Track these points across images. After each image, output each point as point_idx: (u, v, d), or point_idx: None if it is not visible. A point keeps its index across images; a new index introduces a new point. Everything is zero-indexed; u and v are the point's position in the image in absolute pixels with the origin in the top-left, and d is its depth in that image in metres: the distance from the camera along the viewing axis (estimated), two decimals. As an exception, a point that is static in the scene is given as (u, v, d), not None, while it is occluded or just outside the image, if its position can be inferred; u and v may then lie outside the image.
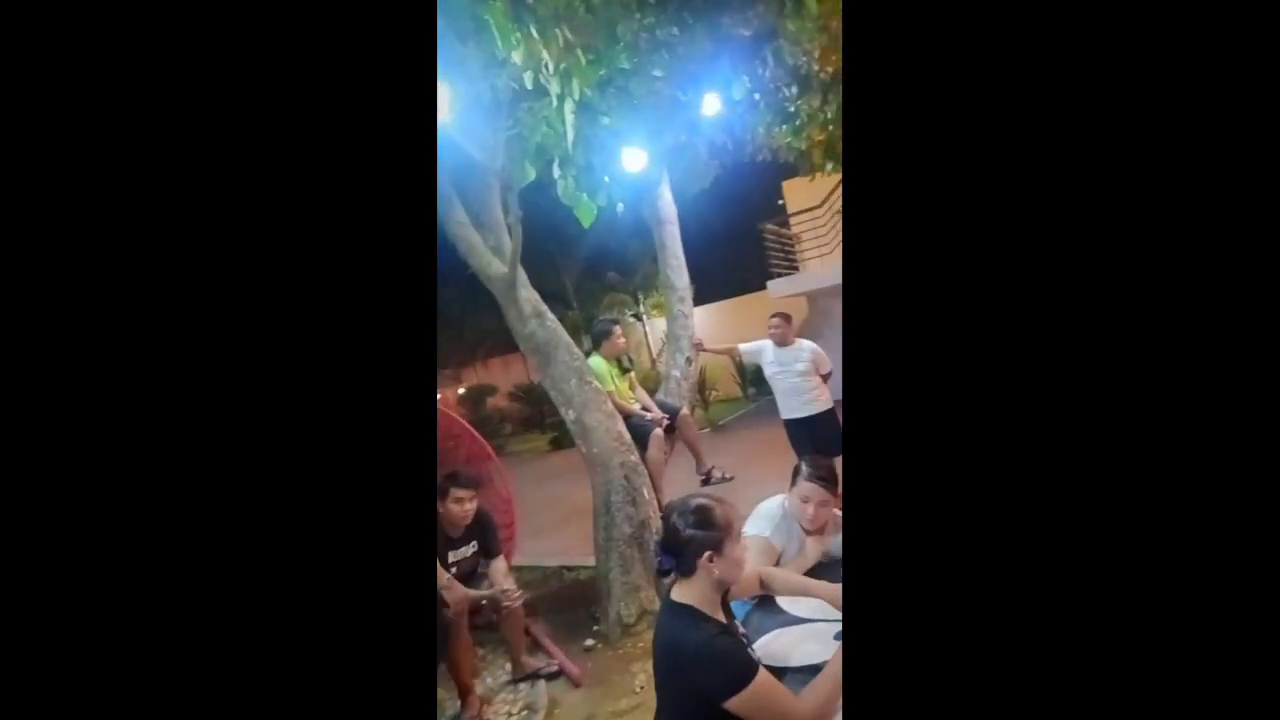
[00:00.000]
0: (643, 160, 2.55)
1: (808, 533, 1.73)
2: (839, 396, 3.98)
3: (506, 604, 2.43)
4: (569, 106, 1.71)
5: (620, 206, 2.44)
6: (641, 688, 2.34)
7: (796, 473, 1.75)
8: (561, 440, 8.63)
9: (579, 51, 1.69)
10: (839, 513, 1.86)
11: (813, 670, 1.17)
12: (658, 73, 2.60)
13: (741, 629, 1.27)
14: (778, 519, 1.72)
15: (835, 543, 1.80)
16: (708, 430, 8.21)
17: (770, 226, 9.01)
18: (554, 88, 1.64)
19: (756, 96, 3.17)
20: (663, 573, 1.22)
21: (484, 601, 2.47)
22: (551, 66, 1.59)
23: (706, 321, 10.39)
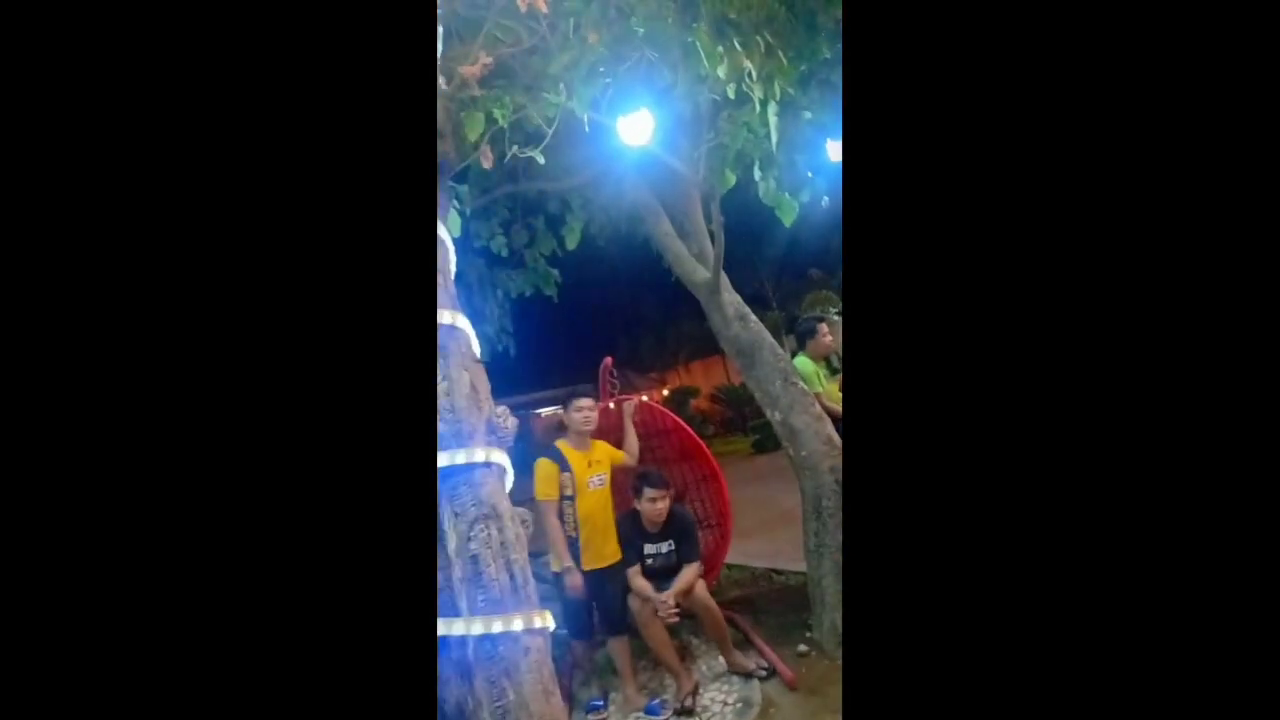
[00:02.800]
0: (847, 150, 2.43)
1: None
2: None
3: (661, 615, 2.40)
4: (772, 109, 1.71)
5: (825, 200, 2.37)
6: (861, 703, 2.22)
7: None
8: (764, 443, 8.54)
9: (780, 53, 1.69)
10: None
11: None
12: (862, 56, 2.46)
13: None
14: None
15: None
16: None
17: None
18: (757, 93, 1.66)
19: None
20: None
21: (635, 603, 2.46)
22: (755, 74, 1.61)
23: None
